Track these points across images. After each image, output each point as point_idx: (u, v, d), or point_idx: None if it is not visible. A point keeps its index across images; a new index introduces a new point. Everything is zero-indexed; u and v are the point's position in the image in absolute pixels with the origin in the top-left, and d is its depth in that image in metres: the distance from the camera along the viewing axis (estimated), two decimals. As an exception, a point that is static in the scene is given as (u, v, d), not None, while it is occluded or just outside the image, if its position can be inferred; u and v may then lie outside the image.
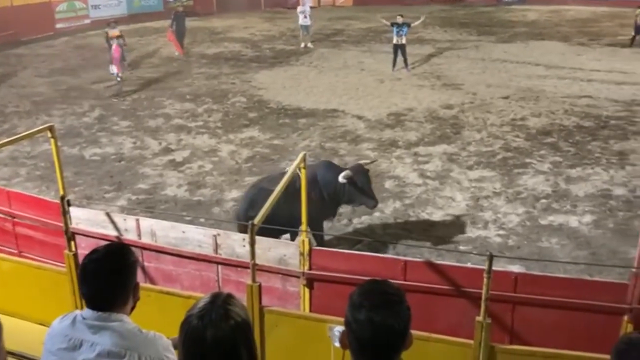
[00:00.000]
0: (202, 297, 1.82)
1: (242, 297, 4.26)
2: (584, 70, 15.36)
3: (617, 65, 15.91)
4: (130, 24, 21.83)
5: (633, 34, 18.06)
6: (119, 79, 13.90)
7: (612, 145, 10.20)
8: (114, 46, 13.87)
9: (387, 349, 1.69)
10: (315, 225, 6.47)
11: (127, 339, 2.08)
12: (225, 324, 1.70)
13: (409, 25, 15.35)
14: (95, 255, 2.17)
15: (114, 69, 13.93)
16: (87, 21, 22.53)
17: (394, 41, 15.39)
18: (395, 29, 15.24)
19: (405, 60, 15.55)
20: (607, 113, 11.95)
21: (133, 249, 5.42)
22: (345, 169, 6.61)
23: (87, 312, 2.12)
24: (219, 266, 5.23)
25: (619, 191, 8.48)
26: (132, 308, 2.22)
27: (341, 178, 6.36)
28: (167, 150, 10.44)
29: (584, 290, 4.42)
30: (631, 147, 10.14)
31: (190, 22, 19.82)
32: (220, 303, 1.75)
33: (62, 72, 16.20)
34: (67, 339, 2.09)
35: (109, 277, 2.12)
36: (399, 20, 15.24)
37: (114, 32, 16.15)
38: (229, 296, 1.80)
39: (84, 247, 5.04)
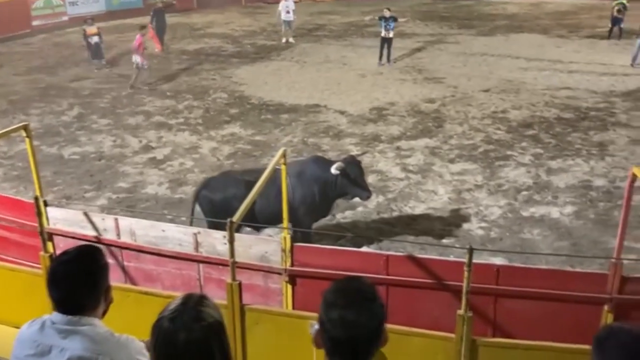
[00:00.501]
0: (174, 298, 1.78)
1: (224, 295, 4.22)
2: (563, 62, 15.49)
3: (595, 57, 16.07)
4: (109, 20, 21.48)
5: (610, 25, 18.23)
6: (145, 67, 13.79)
7: (592, 137, 10.30)
8: (137, 36, 13.67)
9: (361, 347, 1.66)
10: (304, 223, 6.42)
11: (99, 343, 2.02)
12: (198, 326, 1.66)
13: (395, 19, 15.32)
14: (65, 258, 2.11)
15: (137, 59, 13.69)
16: (65, 18, 22.13)
17: (382, 34, 15.38)
18: (382, 23, 15.22)
19: (389, 55, 15.55)
20: (586, 104, 12.06)
21: (112, 248, 5.35)
22: (336, 162, 6.49)
23: (56, 316, 2.06)
24: (200, 264, 5.18)
25: (599, 182, 8.56)
26: (105, 312, 2.16)
27: (333, 169, 6.28)
28: (147, 148, 10.31)
29: (565, 281, 4.45)
30: (610, 138, 10.25)
31: (170, 18, 19.60)
32: (192, 305, 1.71)
33: (39, 70, 15.91)
34: (35, 345, 2.03)
35: (79, 279, 2.05)
36: (387, 13, 15.19)
37: (92, 29, 15.95)
38: (202, 297, 1.76)
39: (63, 248, 4.95)
